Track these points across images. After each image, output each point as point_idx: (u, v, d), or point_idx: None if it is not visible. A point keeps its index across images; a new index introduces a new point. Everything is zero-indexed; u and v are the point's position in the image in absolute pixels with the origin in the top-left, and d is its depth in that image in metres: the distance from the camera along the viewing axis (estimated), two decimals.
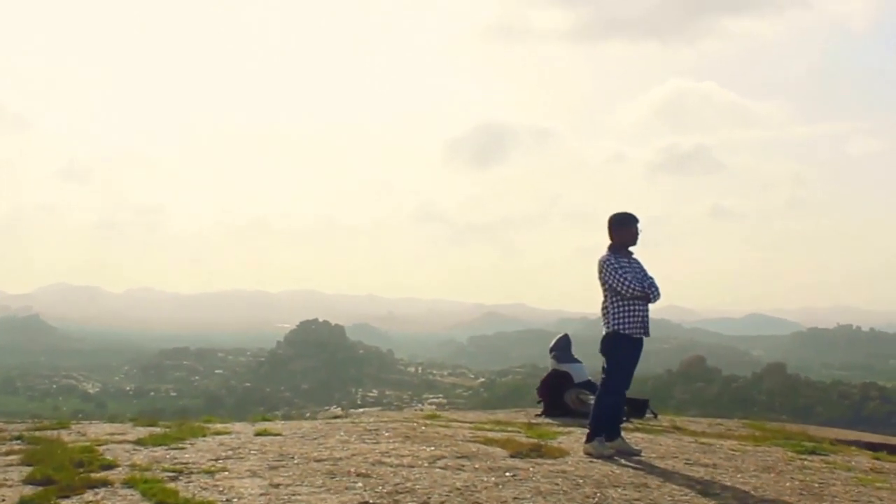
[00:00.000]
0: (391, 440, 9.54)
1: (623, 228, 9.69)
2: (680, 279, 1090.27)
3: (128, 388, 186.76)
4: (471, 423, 12.18)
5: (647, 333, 9.78)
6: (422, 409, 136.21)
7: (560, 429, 11.85)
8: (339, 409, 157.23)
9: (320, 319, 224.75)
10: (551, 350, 14.91)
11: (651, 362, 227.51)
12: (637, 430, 12.15)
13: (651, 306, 9.72)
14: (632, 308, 9.50)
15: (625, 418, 12.95)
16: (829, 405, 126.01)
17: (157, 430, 10.53)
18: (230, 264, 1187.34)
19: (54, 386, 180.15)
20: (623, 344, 9.55)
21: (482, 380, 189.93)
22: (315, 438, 9.65)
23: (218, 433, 10.20)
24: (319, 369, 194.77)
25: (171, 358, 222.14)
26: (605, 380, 9.67)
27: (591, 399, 13.37)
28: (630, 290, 9.40)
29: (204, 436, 9.92)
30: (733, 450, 10.33)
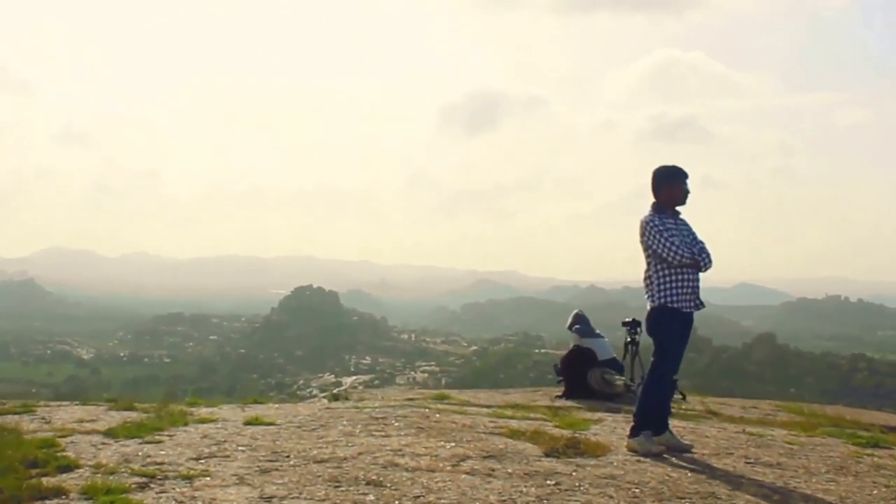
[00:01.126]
0: (402, 432, 8.04)
1: (671, 184, 8.15)
2: None
3: (122, 355, 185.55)
4: (487, 407, 10.81)
5: (699, 306, 8.22)
6: (415, 377, 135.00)
7: (588, 414, 10.48)
8: (332, 375, 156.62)
9: (314, 286, 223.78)
10: (571, 325, 13.93)
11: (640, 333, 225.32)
12: (671, 415, 10.77)
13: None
14: (680, 278, 8.02)
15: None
16: (818, 376, 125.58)
17: (134, 415, 9.13)
18: (225, 230, 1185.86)
19: (49, 352, 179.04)
20: (672, 320, 8.06)
21: (474, 348, 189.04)
22: (314, 429, 8.19)
23: (202, 421, 8.77)
24: (313, 336, 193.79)
25: (165, 324, 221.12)
26: (653, 364, 8.19)
27: (618, 379, 12.82)
28: (678, 257, 7.94)
29: (186, 424, 8.49)
30: (789, 443, 8.92)
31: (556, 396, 12.83)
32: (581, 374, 12.86)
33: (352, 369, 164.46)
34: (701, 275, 8.15)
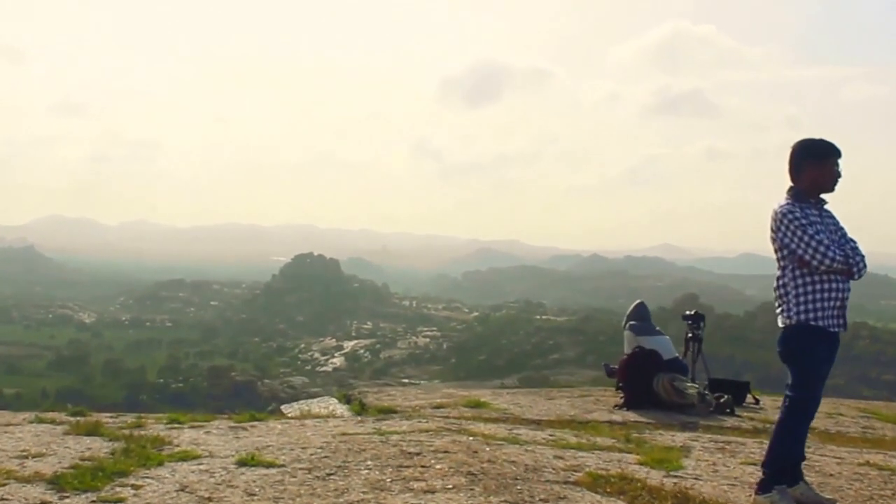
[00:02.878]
0: (449, 484, 5.82)
1: (817, 164, 5.94)
2: (675, 219, 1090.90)
3: (123, 319, 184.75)
4: (537, 425, 8.76)
5: (845, 326, 5.99)
6: (416, 342, 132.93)
7: (668, 437, 8.44)
8: (333, 340, 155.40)
9: (315, 253, 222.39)
10: (627, 321, 11.96)
11: (645, 299, 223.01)
12: (759, 430, 9.11)
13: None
14: (826, 287, 5.83)
15: (727, 409, 10.88)
16: None
17: (97, 443, 7.05)
18: (225, 198, 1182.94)
19: (50, 316, 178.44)
20: (816, 342, 5.88)
21: (476, 314, 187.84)
22: (329, 475, 6.05)
23: (183, 457, 6.65)
24: (314, 302, 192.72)
25: (166, 289, 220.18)
26: (791, 399, 5.93)
27: (689, 387, 10.85)
28: (826, 260, 5.75)
29: (160, 463, 6.38)
30: None
31: (616, 406, 10.82)
32: (645, 379, 10.84)
33: (353, 334, 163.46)
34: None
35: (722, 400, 10.83)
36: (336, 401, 11.25)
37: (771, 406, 11.41)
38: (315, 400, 11.63)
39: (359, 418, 9.35)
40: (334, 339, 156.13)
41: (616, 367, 12.01)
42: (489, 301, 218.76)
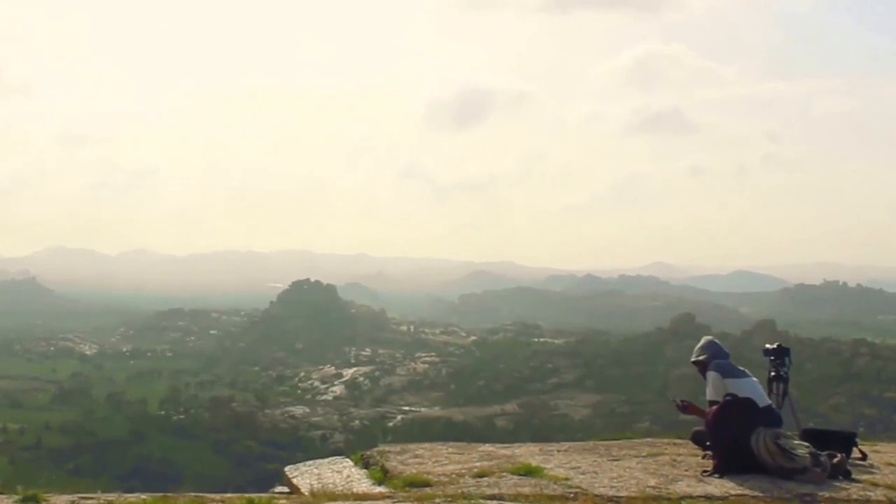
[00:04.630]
0: None
1: None
2: (665, 236, 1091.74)
3: (124, 350, 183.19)
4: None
5: None
6: (415, 368, 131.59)
7: None
8: (332, 367, 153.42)
9: (312, 279, 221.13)
10: (707, 359, 9.45)
11: (640, 320, 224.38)
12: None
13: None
14: None
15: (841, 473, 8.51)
16: (818, 361, 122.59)
17: None
18: (222, 225, 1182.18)
19: (52, 348, 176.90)
20: None
21: (474, 338, 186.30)
22: None
23: None
24: (313, 329, 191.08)
25: (166, 319, 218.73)
26: None
27: (799, 446, 8.39)
28: None
29: None
30: None
31: (705, 472, 8.50)
32: (741, 437, 8.41)
33: (352, 361, 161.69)
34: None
35: (835, 460, 8.58)
36: (351, 463, 9.45)
37: (880, 461, 9.46)
38: (326, 461, 9.67)
39: (384, 491, 7.81)
40: (333, 367, 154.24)
41: (687, 401, 9.75)
42: (486, 323, 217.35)
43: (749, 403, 8.71)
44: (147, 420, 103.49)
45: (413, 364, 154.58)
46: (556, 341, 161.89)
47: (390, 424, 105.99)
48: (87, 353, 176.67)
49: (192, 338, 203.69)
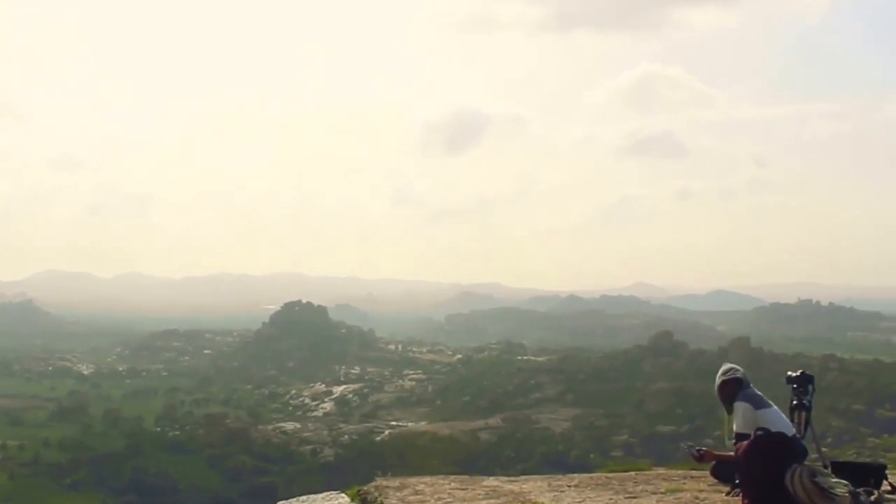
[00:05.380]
0: None
1: None
2: (648, 258, 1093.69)
3: (121, 369, 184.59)
4: None
5: None
6: (403, 385, 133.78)
7: None
8: (323, 385, 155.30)
9: (304, 301, 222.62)
10: (733, 391, 9.03)
11: (621, 338, 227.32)
12: None
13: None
14: None
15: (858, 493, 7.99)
16: None
17: None
18: (215, 248, 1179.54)
19: (50, 368, 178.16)
20: None
21: (460, 356, 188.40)
22: None
23: None
24: (304, 348, 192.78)
25: (161, 339, 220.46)
26: None
27: (837, 484, 7.69)
28: None
29: None
30: None
31: None
32: (774, 474, 7.68)
33: (341, 379, 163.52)
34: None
35: (873, 498, 8.02)
36: (347, 499, 8.90)
37: None
38: (321, 496, 9.17)
39: None
40: (324, 385, 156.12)
41: (703, 449, 9.06)
42: (472, 343, 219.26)
43: (783, 438, 8.16)
44: (143, 436, 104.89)
45: (401, 381, 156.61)
46: (539, 359, 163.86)
47: (378, 438, 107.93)
48: (85, 372, 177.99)
49: (187, 357, 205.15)
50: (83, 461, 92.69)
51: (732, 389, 8.98)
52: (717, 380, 9.16)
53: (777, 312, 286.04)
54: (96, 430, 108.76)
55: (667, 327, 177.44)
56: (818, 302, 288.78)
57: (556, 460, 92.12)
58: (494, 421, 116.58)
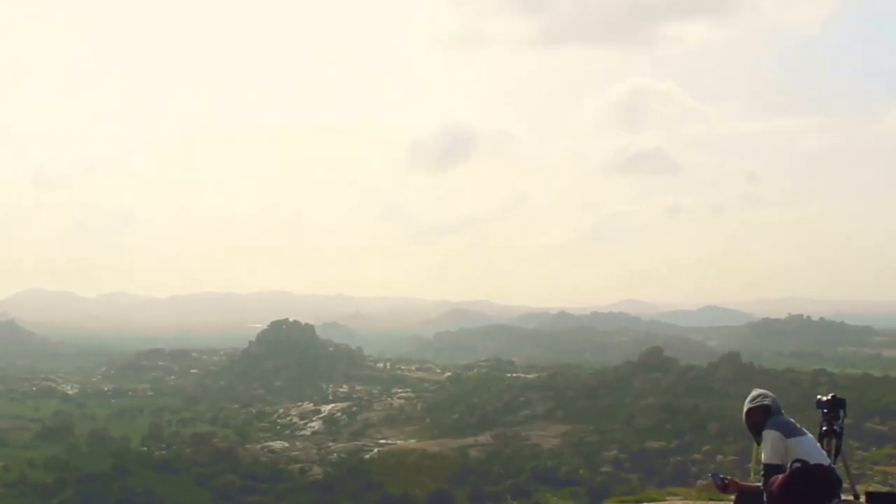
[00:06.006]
0: None
1: None
2: (638, 274, 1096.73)
3: (106, 389, 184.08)
4: None
5: None
6: (392, 403, 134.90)
7: None
8: (311, 404, 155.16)
9: (291, 319, 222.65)
10: (763, 420, 8.51)
11: (611, 354, 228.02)
12: None
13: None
14: None
15: None
16: (780, 392, 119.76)
17: None
18: (201, 267, 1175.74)
19: (34, 388, 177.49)
20: None
21: (448, 374, 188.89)
22: None
23: None
24: (291, 367, 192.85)
25: (146, 359, 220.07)
26: None
27: None
28: None
29: None
30: None
31: None
32: None
33: (330, 397, 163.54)
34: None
35: None
36: None
37: None
38: None
39: None
40: (312, 404, 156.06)
41: (728, 478, 8.63)
42: (461, 360, 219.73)
43: (823, 471, 7.69)
44: (130, 455, 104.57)
45: (389, 399, 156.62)
46: (529, 376, 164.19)
47: (367, 457, 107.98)
48: (69, 392, 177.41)
49: (173, 377, 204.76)
50: (69, 481, 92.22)
51: (759, 418, 8.47)
52: (745, 407, 8.66)
53: (768, 328, 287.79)
54: (82, 450, 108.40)
55: (657, 343, 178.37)
56: (809, 317, 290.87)
57: (546, 476, 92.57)
58: (484, 438, 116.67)
